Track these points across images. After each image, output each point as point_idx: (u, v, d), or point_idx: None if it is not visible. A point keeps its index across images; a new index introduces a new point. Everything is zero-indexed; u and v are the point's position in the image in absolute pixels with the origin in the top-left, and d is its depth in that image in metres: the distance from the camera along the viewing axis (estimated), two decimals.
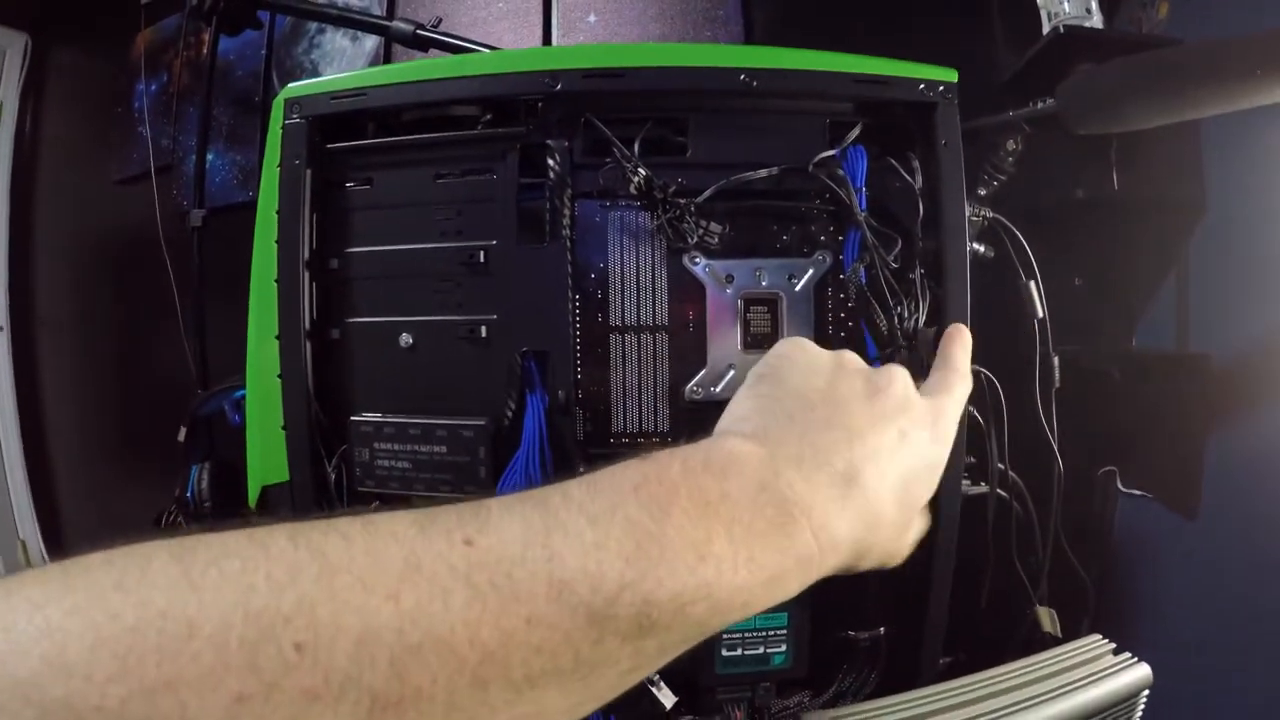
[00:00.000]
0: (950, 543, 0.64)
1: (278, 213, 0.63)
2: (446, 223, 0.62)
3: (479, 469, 0.60)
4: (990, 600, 0.74)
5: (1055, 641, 0.71)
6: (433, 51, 0.91)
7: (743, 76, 0.58)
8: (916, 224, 0.61)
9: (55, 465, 1.40)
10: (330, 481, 0.63)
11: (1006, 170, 0.75)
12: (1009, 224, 0.69)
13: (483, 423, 0.60)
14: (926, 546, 0.62)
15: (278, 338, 0.63)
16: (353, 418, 0.64)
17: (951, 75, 0.61)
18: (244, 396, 0.87)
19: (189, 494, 0.83)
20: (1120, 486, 0.92)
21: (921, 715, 0.48)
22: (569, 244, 0.59)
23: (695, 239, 0.58)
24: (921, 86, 0.60)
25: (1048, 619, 0.71)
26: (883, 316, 0.58)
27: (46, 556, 1.37)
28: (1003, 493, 0.70)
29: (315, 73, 1.15)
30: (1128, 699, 0.54)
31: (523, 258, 0.60)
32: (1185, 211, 0.83)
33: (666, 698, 0.61)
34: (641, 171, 0.57)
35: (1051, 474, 0.74)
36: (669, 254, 0.61)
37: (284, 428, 0.64)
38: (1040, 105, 0.72)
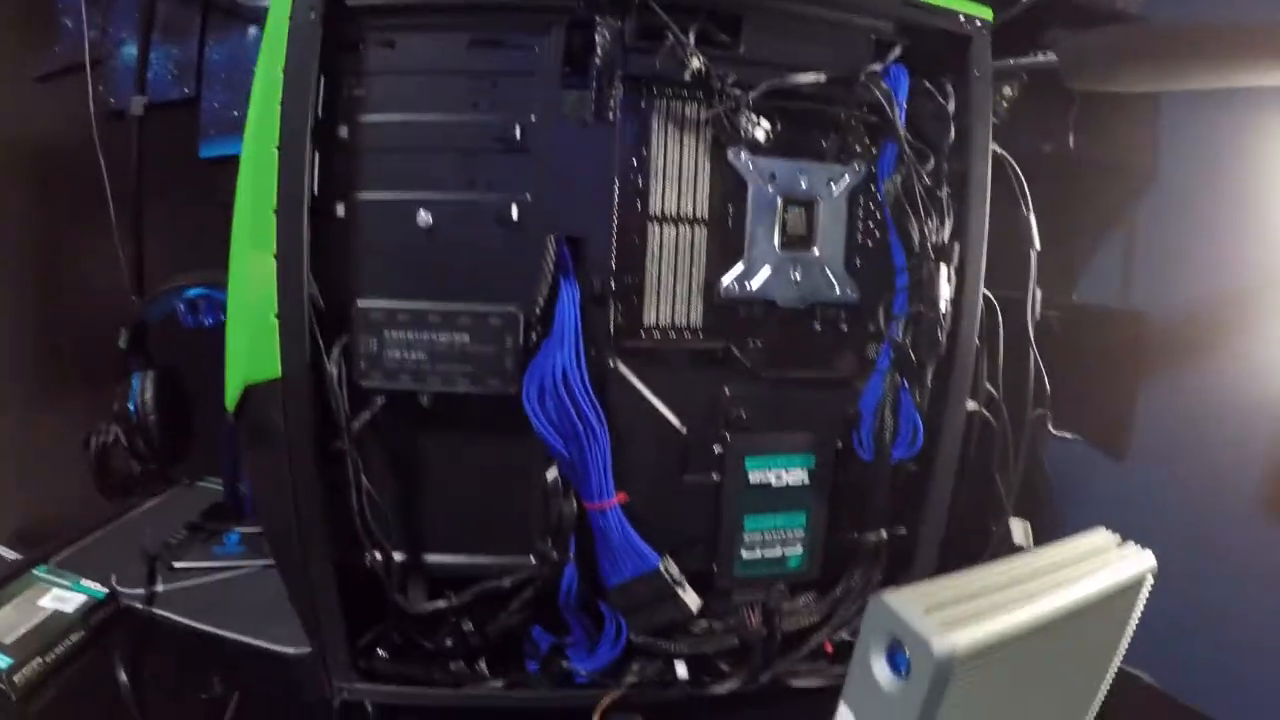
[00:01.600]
0: (953, 449, 0.67)
1: (283, 71, 0.56)
2: (479, 95, 0.58)
3: (505, 360, 0.57)
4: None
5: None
6: None
7: None
8: (945, 146, 0.63)
9: None
10: (331, 377, 0.58)
11: (1000, 115, 0.79)
12: (1012, 160, 0.73)
13: (512, 309, 0.57)
14: (929, 453, 0.67)
15: (275, 212, 0.57)
16: (359, 302, 0.58)
17: (987, 13, 0.65)
18: (200, 295, 0.78)
19: (131, 406, 0.73)
20: (1051, 429, 1.01)
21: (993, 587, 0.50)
22: (615, 127, 0.57)
23: (748, 133, 0.57)
24: (961, 18, 0.63)
25: (1020, 530, 0.76)
26: (915, 227, 0.60)
27: None
28: (987, 412, 0.74)
29: None
30: (1137, 583, 0.58)
31: (564, 138, 0.57)
32: (1137, 176, 0.91)
33: (692, 600, 0.61)
34: (699, 59, 0.55)
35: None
36: (713, 146, 0.60)
37: (278, 315, 0.57)
38: (1041, 56, 0.76)
